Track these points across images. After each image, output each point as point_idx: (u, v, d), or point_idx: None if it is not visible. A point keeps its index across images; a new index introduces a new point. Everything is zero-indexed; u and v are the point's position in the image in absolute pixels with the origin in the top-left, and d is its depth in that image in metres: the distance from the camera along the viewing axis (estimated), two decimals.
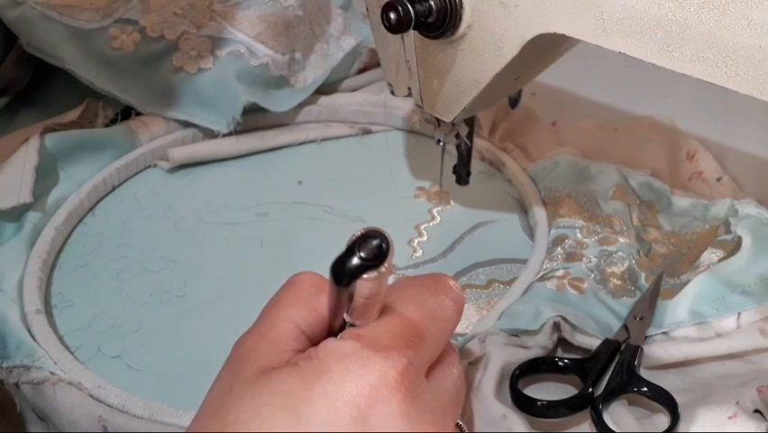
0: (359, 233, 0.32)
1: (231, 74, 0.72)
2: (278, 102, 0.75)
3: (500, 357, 0.49)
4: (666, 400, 0.48)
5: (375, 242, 0.32)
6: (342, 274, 0.32)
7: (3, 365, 0.49)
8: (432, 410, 0.36)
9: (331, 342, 0.36)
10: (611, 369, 0.50)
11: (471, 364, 0.50)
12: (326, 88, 0.78)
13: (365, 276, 0.32)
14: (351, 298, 0.34)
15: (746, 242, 0.57)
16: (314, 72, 0.79)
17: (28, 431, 0.51)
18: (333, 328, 0.38)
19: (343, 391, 0.34)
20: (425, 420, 0.35)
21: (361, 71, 0.83)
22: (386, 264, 0.32)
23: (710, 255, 0.58)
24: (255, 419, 0.34)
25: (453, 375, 0.39)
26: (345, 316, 0.36)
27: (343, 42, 0.82)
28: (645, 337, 0.52)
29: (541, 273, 0.58)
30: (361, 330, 0.36)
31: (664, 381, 0.50)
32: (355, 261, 0.32)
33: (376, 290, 0.34)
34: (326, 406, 0.34)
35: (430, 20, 0.49)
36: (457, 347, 0.51)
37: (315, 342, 0.37)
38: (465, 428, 0.42)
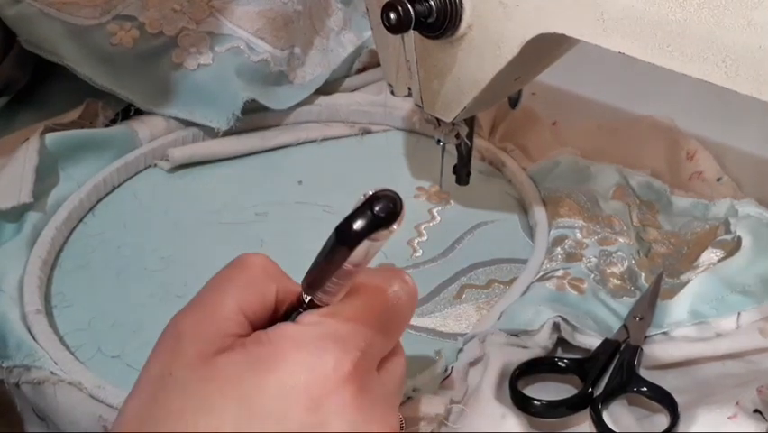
0: (370, 192, 0.32)
1: (230, 70, 0.72)
2: (278, 99, 0.74)
3: (500, 357, 0.49)
4: (666, 400, 0.48)
5: (387, 201, 0.31)
6: (350, 232, 0.31)
7: (3, 365, 0.49)
8: (382, 402, 0.36)
9: (287, 326, 0.35)
10: (611, 369, 0.50)
11: (471, 365, 0.50)
12: (326, 88, 0.78)
13: (375, 235, 0.31)
14: (335, 268, 0.33)
15: (746, 242, 0.57)
16: (313, 68, 0.78)
17: (27, 431, 0.51)
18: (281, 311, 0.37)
19: (297, 381, 0.33)
20: (376, 412, 0.35)
21: (361, 71, 0.83)
22: (396, 224, 0.31)
23: (710, 255, 0.58)
24: (202, 407, 0.33)
25: (401, 367, 0.39)
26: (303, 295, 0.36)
27: (343, 38, 0.82)
28: (645, 337, 0.52)
29: (541, 273, 0.58)
30: (321, 315, 0.35)
31: (664, 381, 0.50)
32: (367, 218, 0.31)
33: (367, 257, 0.33)
34: (279, 395, 0.33)
35: (430, 20, 0.49)
36: (456, 348, 0.51)
37: (255, 329, 0.36)
38: (404, 422, 0.42)
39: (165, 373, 0.34)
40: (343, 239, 0.32)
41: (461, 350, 0.51)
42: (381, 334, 0.36)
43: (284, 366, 0.33)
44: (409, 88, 0.57)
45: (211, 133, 0.72)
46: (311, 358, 0.34)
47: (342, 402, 0.33)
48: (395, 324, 0.38)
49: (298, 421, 0.33)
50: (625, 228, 0.61)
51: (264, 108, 0.73)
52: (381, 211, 0.31)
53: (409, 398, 0.47)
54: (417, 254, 0.62)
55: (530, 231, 0.64)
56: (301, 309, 0.36)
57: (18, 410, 0.50)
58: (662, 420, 0.47)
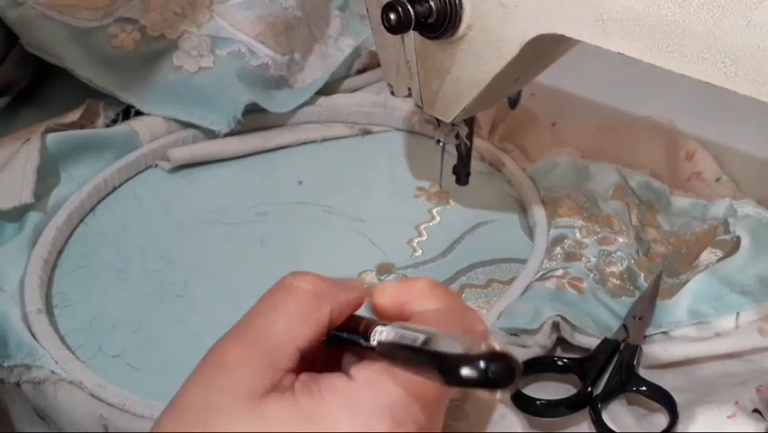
0: (494, 347, 0.29)
1: (231, 73, 0.72)
2: (278, 103, 0.75)
3: None
4: (665, 400, 0.48)
5: (505, 367, 0.28)
6: (454, 374, 0.29)
7: (4, 364, 0.49)
8: None
9: (340, 381, 0.33)
10: (610, 368, 0.50)
11: None
12: (326, 89, 0.78)
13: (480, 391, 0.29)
14: (417, 366, 0.31)
15: (745, 242, 0.57)
16: (312, 73, 0.79)
17: (25, 432, 0.51)
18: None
19: None
20: None
21: (361, 72, 0.83)
22: (503, 390, 0.29)
23: (709, 255, 0.58)
24: None
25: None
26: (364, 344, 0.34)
27: (342, 43, 0.82)
28: (644, 337, 0.53)
29: (540, 273, 0.58)
30: (377, 372, 0.33)
31: (663, 380, 0.50)
32: (478, 373, 0.28)
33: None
34: None
35: (430, 20, 0.49)
36: None
37: (307, 356, 0.35)
38: None
39: (210, 406, 0.33)
40: (443, 373, 0.29)
41: None
42: (432, 411, 0.34)
43: (333, 424, 0.32)
44: (409, 89, 0.58)
45: (211, 133, 0.72)
46: (362, 428, 0.32)
47: None
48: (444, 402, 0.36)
49: None
50: (624, 228, 0.61)
51: (264, 109, 0.73)
52: (495, 374, 0.28)
53: None
54: (417, 254, 0.62)
55: (529, 231, 0.64)
56: (360, 341, 0.35)
57: (8, 414, 0.50)
58: (662, 420, 0.47)
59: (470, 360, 0.28)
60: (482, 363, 0.28)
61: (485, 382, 0.28)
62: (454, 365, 0.28)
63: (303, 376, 0.34)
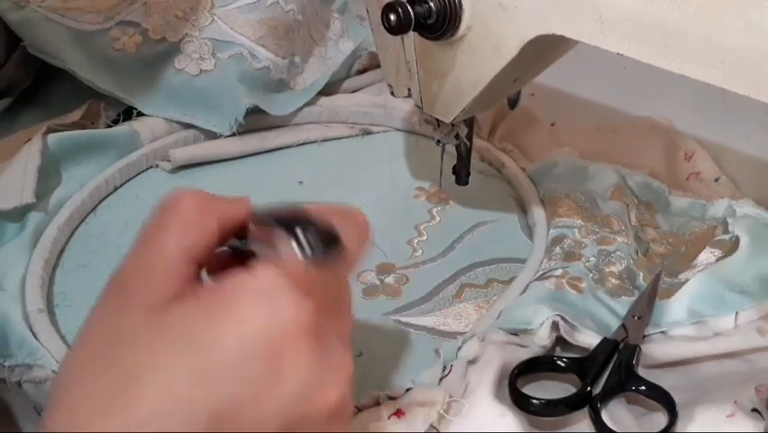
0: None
1: (233, 76, 0.72)
2: (279, 105, 0.75)
3: (499, 356, 0.50)
4: (664, 399, 0.48)
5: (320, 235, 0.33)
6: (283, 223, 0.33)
7: (5, 364, 0.49)
8: (339, 350, 0.35)
9: (242, 276, 0.34)
10: (609, 368, 0.50)
11: (470, 363, 0.50)
12: (327, 89, 0.79)
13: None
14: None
15: (744, 241, 0.57)
16: (312, 75, 0.79)
17: (28, 431, 0.51)
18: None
19: (254, 332, 0.32)
20: (335, 360, 0.34)
21: (361, 72, 0.83)
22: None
23: (708, 255, 0.58)
24: (156, 363, 0.31)
25: (347, 294, 0.38)
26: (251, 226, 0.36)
27: (342, 46, 0.82)
28: (644, 336, 0.53)
29: (540, 273, 0.58)
30: (276, 264, 0.34)
31: (662, 379, 0.50)
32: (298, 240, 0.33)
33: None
34: (236, 347, 0.32)
35: (430, 21, 0.49)
36: (455, 347, 0.51)
37: (202, 266, 0.36)
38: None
39: (112, 330, 0.33)
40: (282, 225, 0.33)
41: (460, 349, 0.51)
42: (336, 282, 0.36)
43: (241, 317, 0.32)
44: (409, 89, 0.58)
45: (212, 133, 0.72)
46: (268, 309, 0.33)
47: (299, 353, 0.33)
48: (348, 269, 0.37)
49: (256, 373, 0.32)
50: (623, 228, 0.61)
51: (265, 110, 0.74)
52: (306, 239, 0.32)
53: (409, 389, 0.47)
54: (417, 254, 0.62)
55: (529, 231, 0.65)
56: (247, 241, 0.37)
57: (13, 413, 0.50)
58: (661, 419, 0.47)
59: (298, 219, 0.32)
60: (300, 227, 0.32)
61: (299, 245, 0.32)
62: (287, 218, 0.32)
63: (207, 282, 0.35)
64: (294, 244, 0.32)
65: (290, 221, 0.33)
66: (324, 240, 0.32)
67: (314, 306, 0.33)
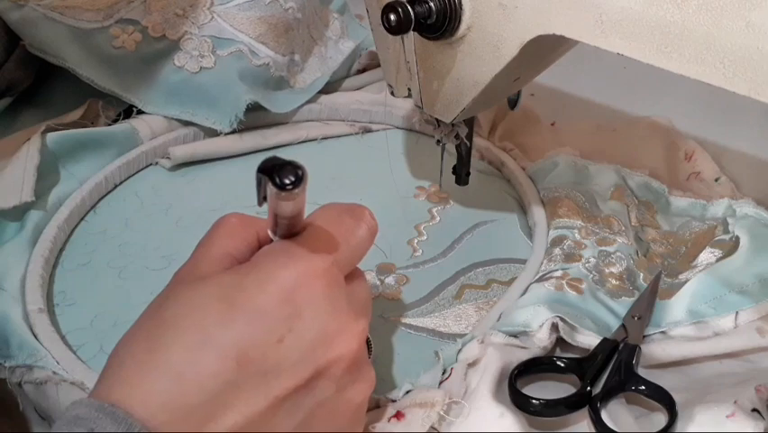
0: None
1: (233, 73, 0.72)
2: (280, 103, 0.75)
3: (499, 357, 0.50)
4: (664, 399, 0.48)
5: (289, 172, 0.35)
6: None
7: (5, 365, 0.49)
8: (353, 303, 0.40)
9: (263, 249, 0.40)
10: (609, 368, 0.50)
11: (470, 365, 0.50)
12: (327, 88, 0.79)
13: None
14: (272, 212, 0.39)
15: (744, 241, 0.57)
16: (312, 74, 0.79)
17: (31, 431, 0.51)
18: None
19: (273, 278, 0.37)
20: (345, 306, 0.39)
21: (361, 72, 0.83)
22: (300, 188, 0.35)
23: (708, 255, 0.58)
24: (191, 310, 0.36)
25: (365, 290, 0.43)
26: (272, 236, 0.41)
27: (342, 45, 0.82)
28: (644, 337, 0.53)
29: (540, 274, 0.58)
30: (292, 239, 0.40)
31: (662, 380, 0.50)
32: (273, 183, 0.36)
33: (295, 209, 0.38)
34: (257, 291, 0.37)
35: (430, 21, 0.49)
36: (455, 348, 0.51)
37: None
38: (372, 344, 0.45)
39: (158, 301, 0.39)
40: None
41: (460, 350, 0.51)
42: (344, 250, 0.41)
43: (259, 268, 0.38)
44: (409, 89, 0.58)
45: (212, 131, 0.73)
46: (283, 259, 0.38)
47: (313, 293, 0.38)
48: (354, 246, 0.42)
49: (275, 312, 0.36)
50: (623, 228, 0.61)
51: (265, 108, 0.74)
52: (281, 174, 0.36)
53: (408, 391, 0.47)
54: (417, 254, 0.62)
55: (529, 231, 0.65)
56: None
57: (21, 409, 0.50)
58: (661, 419, 0.47)
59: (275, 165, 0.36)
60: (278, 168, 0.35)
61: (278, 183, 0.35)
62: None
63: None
64: (272, 181, 0.36)
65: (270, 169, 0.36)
66: (295, 174, 0.35)
67: (329, 260, 0.39)
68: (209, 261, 0.40)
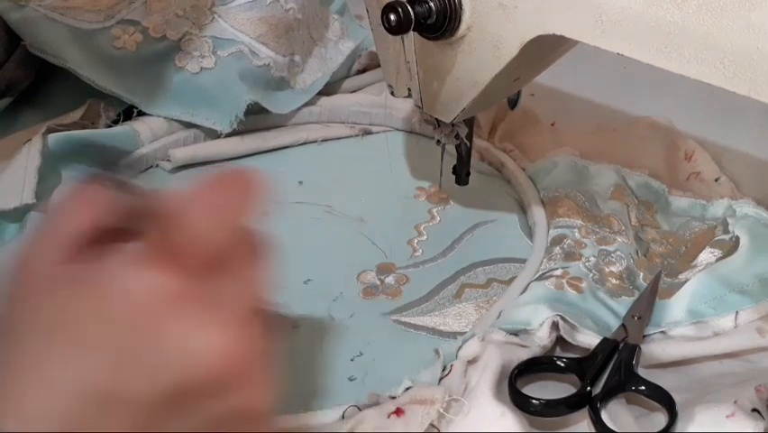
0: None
1: (233, 74, 0.72)
2: (280, 104, 0.75)
3: (499, 356, 0.50)
4: (664, 399, 0.48)
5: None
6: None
7: None
8: (224, 310, 0.34)
9: (107, 255, 0.34)
10: (609, 368, 0.50)
11: (470, 363, 0.50)
12: (327, 89, 0.79)
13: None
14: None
15: (744, 241, 0.57)
16: (312, 75, 0.79)
17: None
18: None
19: (116, 301, 0.32)
20: (213, 322, 0.33)
21: (361, 72, 0.83)
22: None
23: (708, 255, 0.58)
24: (62, 322, 0.32)
25: (244, 282, 0.36)
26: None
27: (342, 46, 0.82)
28: (644, 336, 0.53)
29: (540, 273, 0.58)
30: (146, 243, 0.34)
31: (662, 379, 0.50)
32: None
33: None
34: (97, 320, 0.32)
35: (430, 21, 0.49)
36: (455, 346, 0.51)
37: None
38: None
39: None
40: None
41: (460, 349, 0.51)
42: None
43: (99, 293, 0.32)
44: (409, 89, 0.58)
45: (212, 133, 0.72)
46: (128, 281, 0.33)
47: (169, 318, 0.32)
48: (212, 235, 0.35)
49: (125, 343, 0.32)
50: (623, 228, 0.61)
51: (265, 109, 0.74)
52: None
53: (408, 387, 0.47)
54: (417, 254, 0.62)
55: (529, 231, 0.65)
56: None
57: None
58: (661, 419, 0.47)
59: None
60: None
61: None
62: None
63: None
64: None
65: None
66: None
67: (181, 271, 0.33)
68: (57, 243, 0.34)
